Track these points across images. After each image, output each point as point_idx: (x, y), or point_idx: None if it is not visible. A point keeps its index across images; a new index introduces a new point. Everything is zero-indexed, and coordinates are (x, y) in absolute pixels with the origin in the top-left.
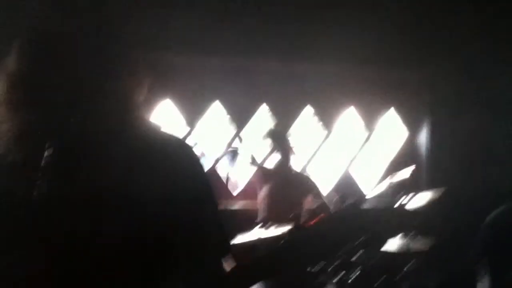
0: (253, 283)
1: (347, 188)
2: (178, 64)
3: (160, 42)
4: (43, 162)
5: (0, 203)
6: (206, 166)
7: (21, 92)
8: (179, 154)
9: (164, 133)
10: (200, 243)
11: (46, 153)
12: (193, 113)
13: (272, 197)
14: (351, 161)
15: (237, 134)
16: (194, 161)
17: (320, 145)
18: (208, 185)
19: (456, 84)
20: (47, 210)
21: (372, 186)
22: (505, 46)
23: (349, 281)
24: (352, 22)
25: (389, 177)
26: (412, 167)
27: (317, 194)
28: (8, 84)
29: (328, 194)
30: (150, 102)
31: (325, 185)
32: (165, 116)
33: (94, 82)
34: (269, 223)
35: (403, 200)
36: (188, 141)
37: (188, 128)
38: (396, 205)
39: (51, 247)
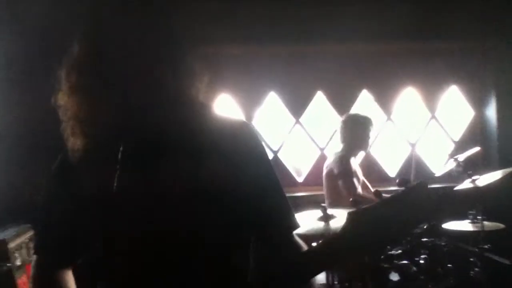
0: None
1: (415, 168)
2: (232, 57)
3: (215, 36)
4: (120, 156)
5: (82, 196)
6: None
7: (99, 84)
8: (244, 135)
9: (228, 119)
10: (270, 217)
11: (121, 148)
12: (250, 105)
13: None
14: (417, 141)
15: (296, 122)
16: (257, 140)
17: (381, 127)
18: (270, 163)
19: None
20: (126, 203)
21: (439, 166)
22: None
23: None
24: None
25: (454, 157)
26: (477, 148)
27: None
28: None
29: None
30: (211, 95)
31: (393, 166)
32: (224, 109)
33: (161, 79)
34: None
35: (471, 178)
36: None
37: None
38: (463, 184)
39: (134, 238)
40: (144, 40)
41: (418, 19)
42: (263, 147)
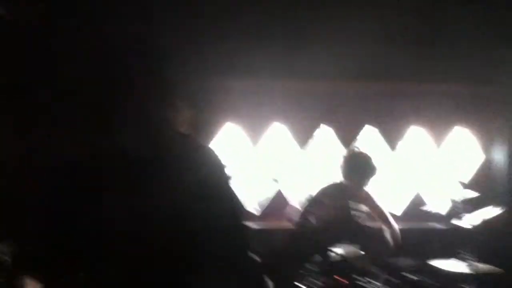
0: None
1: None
2: (239, 88)
3: (222, 68)
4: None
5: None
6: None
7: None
8: (214, 169)
9: (203, 153)
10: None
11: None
12: (255, 134)
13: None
14: (423, 182)
15: (300, 153)
16: (223, 175)
17: (385, 164)
18: (231, 192)
19: None
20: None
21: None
22: None
23: None
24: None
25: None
26: (477, 194)
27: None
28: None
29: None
30: (207, 125)
31: (398, 204)
32: (231, 138)
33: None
34: None
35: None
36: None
37: (252, 148)
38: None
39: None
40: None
41: (428, 61)
42: (227, 182)
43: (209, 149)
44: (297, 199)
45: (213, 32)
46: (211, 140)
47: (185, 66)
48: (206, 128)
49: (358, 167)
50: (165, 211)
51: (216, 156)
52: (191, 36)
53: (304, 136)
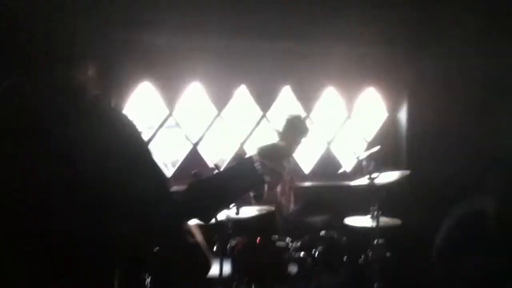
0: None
1: (328, 164)
2: (157, 46)
3: (140, 24)
4: None
5: None
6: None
7: None
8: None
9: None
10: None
11: None
12: (172, 95)
13: None
14: (332, 139)
15: (218, 115)
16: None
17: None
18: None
19: (437, 68)
20: None
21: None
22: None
23: (317, 255)
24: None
25: (355, 155)
26: (377, 148)
27: None
28: None
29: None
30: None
31: (309, 161)
32: (145, 97)
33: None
34: None
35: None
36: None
37: (168, 110)
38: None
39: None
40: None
41: (338, 23)
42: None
43: (119, 111)
44: (213, 159)
45: None
46: (127, 99)
47: (96, 22)
48: (122, 87)
49: (297, 128)
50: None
51: (126, 117)
52: None
53: (223, 96)
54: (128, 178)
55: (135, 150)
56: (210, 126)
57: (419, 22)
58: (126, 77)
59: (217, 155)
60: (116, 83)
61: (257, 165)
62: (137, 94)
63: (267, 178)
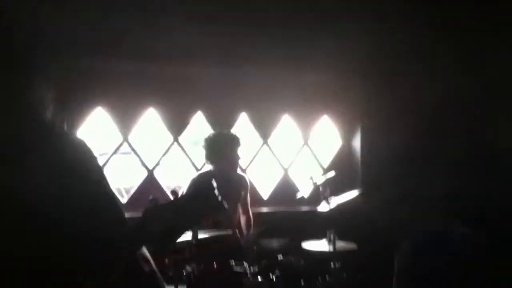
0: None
1: (286, 189)
2: (112, 71)
3: (93, 48)
4: None
5: None
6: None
7: None
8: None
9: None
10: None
11: None
12: (127, 121)
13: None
14: (290, 165)
15: (175, 140)
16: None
17: (258, 150)
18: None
19: (388, 94)
20: None
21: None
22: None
23: (275, 280)
24: (287, 27)
25: (312, 180)
26: (333, 173)
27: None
28: None
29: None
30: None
31: (266, 188)
32: (99, 123)
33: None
34: None
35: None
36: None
37: (122, 136)
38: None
39: None
40: None
41: (294, 51)
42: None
43: (73, 136)
44: (169, 185)
45: (78, 9)
46: (81, 125)
47: (50, 47)
48: (75, 112)
49: (221, 146)
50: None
51: (81, 142)
52: (57, 15)
53: (179, 122)
54: (82, 206)
55: (90, 177)
56: (166, 152)
57: (374, 53)
58: (79, 102)
59: (174, 181)
60: (69, 108)
61: (216, 191)
62: (91, 120)
63: (225, 204)
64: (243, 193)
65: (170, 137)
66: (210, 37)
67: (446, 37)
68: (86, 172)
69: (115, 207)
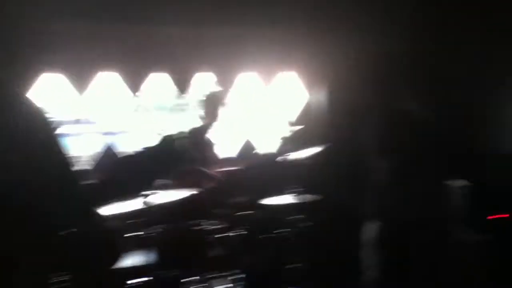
0: None
1: (253, 147)
2: (62, 33)
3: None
4: None
5: None
6: None
7: None
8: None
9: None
10: None
11: None
12: (83, 83)
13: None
14: (256, 123)
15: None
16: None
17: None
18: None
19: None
20: None
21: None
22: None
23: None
24: None
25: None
26: (301, 127)
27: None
28: None
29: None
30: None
31: (230, 147)
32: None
33: None
34: None
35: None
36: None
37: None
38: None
39: None
40: None
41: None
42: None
43: (26, 98)
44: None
45: None
46: (32, 88)
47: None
48: (25, 75)
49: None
50: None
51: (34, 105)
52: None
53: (136, 83)
54: (39, 164)
55: (44, 135)
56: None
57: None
58: (29, 66)
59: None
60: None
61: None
62: (42, 86)
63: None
64: None
65: (131, 102)
66: None
67: None
68: (41, 130)
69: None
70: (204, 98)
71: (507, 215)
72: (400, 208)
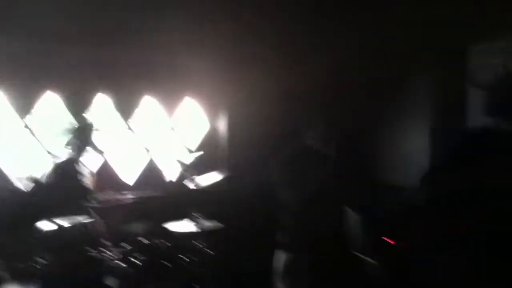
0: None
1: (152, 175)
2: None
3: None
4: None
5: None
6: None
7: None
8: None
9: None
10: None
11: None
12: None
13: None
14: (155, 149)
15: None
16: None
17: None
18: None
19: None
20: None
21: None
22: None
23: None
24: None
25: (180, 161)
26: (200, 153)
27: None
28: None
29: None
30: None
31: (132, 172)
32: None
33: None
34: None
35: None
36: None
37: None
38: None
39: None
40: None
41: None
42: None
43: None
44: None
45: None
46: None
47: None
48: None
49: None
50: None
51: None
52: None
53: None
54: None
55: None
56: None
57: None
58: None
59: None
60: None
61: None
62: None
63: None
64: None
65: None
66: (66, 12)
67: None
68: None
69: None
70: (77, 128)
71: (393, 242)
72: (302, 233)
